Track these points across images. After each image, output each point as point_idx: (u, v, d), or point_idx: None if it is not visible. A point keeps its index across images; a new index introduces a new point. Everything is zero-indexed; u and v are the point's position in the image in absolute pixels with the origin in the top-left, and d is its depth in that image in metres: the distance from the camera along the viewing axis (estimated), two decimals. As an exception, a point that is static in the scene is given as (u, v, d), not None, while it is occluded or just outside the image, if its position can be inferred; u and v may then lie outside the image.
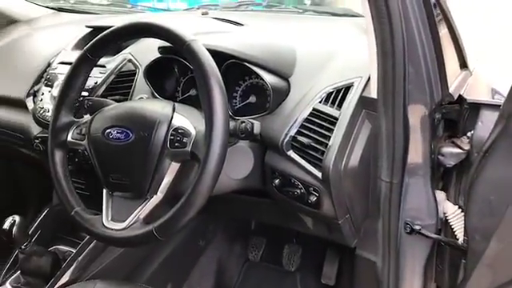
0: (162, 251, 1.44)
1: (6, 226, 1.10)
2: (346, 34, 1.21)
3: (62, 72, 1.28)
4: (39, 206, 1.46)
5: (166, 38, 0.85)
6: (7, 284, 1.19)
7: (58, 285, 1.15)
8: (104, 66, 1.22)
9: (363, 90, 0.95)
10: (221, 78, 0.81)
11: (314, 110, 0.97)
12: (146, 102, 0.96)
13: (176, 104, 0.91)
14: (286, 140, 0.96)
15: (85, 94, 1.18)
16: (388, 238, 0.91)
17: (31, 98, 1.34)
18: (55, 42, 1.46)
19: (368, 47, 0.85)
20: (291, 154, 0.97)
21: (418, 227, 0.87)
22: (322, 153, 0.92)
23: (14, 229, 1.10)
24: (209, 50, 0.96)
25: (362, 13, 0.85)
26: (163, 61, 1.11)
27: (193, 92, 1.15)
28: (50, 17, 1.84)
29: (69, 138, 0.94)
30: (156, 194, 0.86)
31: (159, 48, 1.07)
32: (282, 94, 1.02)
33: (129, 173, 0.86)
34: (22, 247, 1.14)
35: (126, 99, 1.17)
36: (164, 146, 0.84)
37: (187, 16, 1.67)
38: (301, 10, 1.54)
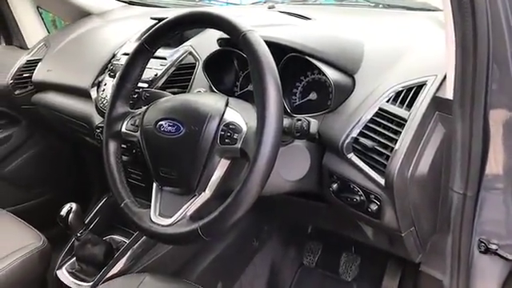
0: (214, 248, 1.41)
1: (63, 212, 1.12)
2: (420, 28, 1.10)
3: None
4: (100, 195, 1.49)
5: (222, 27, 0.81)
6: (63, 269, 1.22)
7: (109, 274, 1.15)
8: (165, 58, 1.21)
9: (437, 89, 0.85)
10: (277, 73, 0.75)
11: (380, 109, 0.88)
12: (200, 96, 0.93)
13: (230, 98, 0.87)
14: (347, 141, 0.89)
15: (144, 85, 1.18)
16: (458, 256, 0.81)
17: (95, 88, 1.36)
18: (123, 33, 1.48)
19: (445, 42, 0.75)
20: (352, 157, 0.89)
21: (494, 246, 0.77)
22: (387, 157, 0.84)
23: (71, 216, 1.12)
24: (268, 41, 0.91)
25: (441, 5, 0.76)
26: (223, 54, 1.08)
27: (251, 87, 1.10)
28: (121, 10, 1.89)
29: (123, 129, 0.93)
30: (204, 191, 0.82)
31: (218, 40, 1.04)
32: (346, 92, 0.94)
33: (178, 167, 0.83)
34: (78, 234, 1.16)
35: (184, 92, 1.15)
36: (214, 141, 0.80)
37: (253, 9, 1.63)
38: (373, 4, 1.44)
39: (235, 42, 0.79)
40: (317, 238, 1.54)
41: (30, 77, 1.63)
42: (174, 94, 1.08)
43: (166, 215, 0.84)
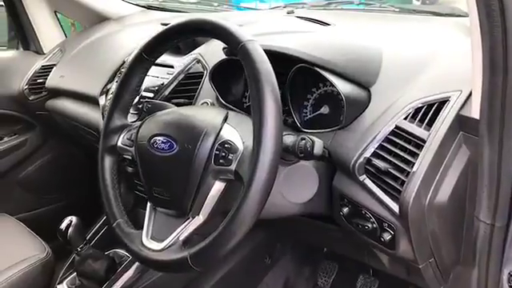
0: (223, 265, 1.34)
1: (63, 226, 1.08)
2: (447, 37, 1.00)
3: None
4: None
5: (221, 37, 0.74)
6: (64, 283, 1.17)
7: (111, 290, 1.10)
8: (172, 67, 1.15)
9: (462, 107, 0.75)
10: (277, 87, 0.68)
11: (396, 127, 0.79)
12: (198, 110, 0.86)
13: (231, 113, 0.80)
14: (359, 162, 0.80)
15: (150, 95, 1.13)
16: (485, 289, 0.72)
17: (104, 95, 1.32)
18: (136, 39, 1.44)
19: (471, 55, 0.66)
20: (364, 179, 0.80)
21: (526, 281, 0.68)
22: (402, 183, 0.75)
23: (70, 230, 1.07)
24: (274, 52, 0.84)
25: (467, 9, 0.67)
26: (231, 63, 1.01)
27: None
28: (140, 14, 1.85)
29: (119, 143, 0.87)
30: (198, 215, 0.76)
31: (224, 48, 0.97)
32: (360, 106, 0.86)
33: (171, 188, 0.77)
34: (78, 249, 1.11)
35: (191, 103, 1.09)
36: (208, 161, 0.73)
37: (271, 15, 1.56)
38: (397, 9, 1.34)
39: (234, 52, 0.72)
40: (332, 258, 1.45)
41: (45, 82, 1.61)
42: (180, 105, 1.02)
43: (158, 239, 0.78)
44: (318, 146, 0.71)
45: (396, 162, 0.77)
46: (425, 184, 0.73)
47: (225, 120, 0.77)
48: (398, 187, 0.75)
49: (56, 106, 1.58)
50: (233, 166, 0.71)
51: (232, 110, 1.00)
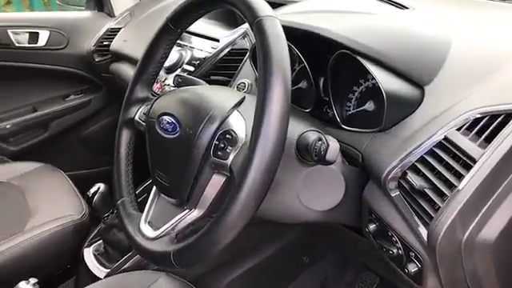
0: (255, 255, 1.27)
1: (90, 192, 1.07)
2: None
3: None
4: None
5: (239, 9, 0.64)
6: (91, 248, 1.18)
7: (127, 265, 1.08)
8: (218, 40, 1.07)
9: (532, 123, 0.59)
10: (288, 74, 0.57)
11: (445, 139, 0.64)
12: (213, 90, 0.77)
13: (248, 98, 0.70)
14: (392, 174, 0.67)
15: (190, 68, 1.06)
16: None
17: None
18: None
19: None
20: (396, 195, 0.67)
21: None
22: (439, 208, 0.60)
23: (96, 197, 1.06)
24: (307, 32, 0.72)
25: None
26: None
27: (303, 84, 0.92)
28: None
29: (136, 117, 0.82)
30: (195, 207, 0.68)
31: None
32: (406, 108, 0.71)
33: (171, 174, 0.70)
34: (105, 217, 1.11)
35: (229, 82, 1.00)
36: (207, 151, 0.65)
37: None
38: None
39: (250, 28, 0.62)
40: (374, 270, 1.31)
41: (110, 45, 1.62)
42: (218, 82, 0.95)
43: (155, 225, 0.72)
44: (333, 151, 0.60)
45: (435, 181, 0.62)
46: (466, 214, 0.58)
47: (237, 105, 0.67)
48: (432, 213, 0.61)
49: (118, 70, 1.59)
50: (228, 161, 0.62)
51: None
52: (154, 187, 0.77)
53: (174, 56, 1.12)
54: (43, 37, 1.63)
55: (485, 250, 0.60)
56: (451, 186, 0.60)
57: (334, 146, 0.60)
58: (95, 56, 1.66)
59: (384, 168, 0.68)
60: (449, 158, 0.63)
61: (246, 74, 0.98)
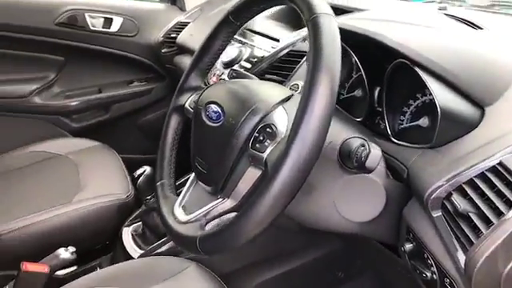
0: (290, 261, 1.24)
1: (136, 173, 1.10)
2: None
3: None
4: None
5: (298, 5, 0.63)
6: (130, 228, 1.21)
7: (160, 249, 1.10)
8: (278, 41, 1.07)
9: None
10: (337, 75, 0.55)
11: (500, 164, 0.60)
12: (263, 85, 0.77)
13: (296, 95, 0.69)
14: (436, 193, 0.63)
15: (247, 65, 1.07)
16: None
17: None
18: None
19: None
20: (437, 216, 0.63)
21: None
22: (481, 234, 0.56)
23: (141, 179, 1.09)
24: (364, 36, 0.71)
25: None
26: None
27: (358, 93, 0.89)
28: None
29: (186, 104, 0.84)
30: (228, 198, 0.68)
31: None
32: (462, 127, 0.67)
33: (209, 161, 0.70)
34: (147, 199, 1.13)
35: (283, 82, 1.00)
36: (246, 143, 0.65)
37: (419, 8, 1.36)
38: None
39: (306, 24, 0.61)
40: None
41: (177, 38, 1.67)
42: (270, 81, 0.95)
43: (188, 210, 0.73)
44: (373, 157, 0.57)
45: (482, 207, 0.58)
46: (510, 246, 0.54)
47: (283, 101, 0.67)
48: (474, 239, 0.57)
49: (181, 62, 1.63)
50: (265, 154, 0.62)
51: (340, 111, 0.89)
52: (193, 173, 0.78)
53: (233, 52, 1.13)
54: (116, 23, 1.72)
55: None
56: (500, 214, 0.56)
57: (375, 153, 0.58)
58: (162, 47, 1.72)
59: (428, 186, 0.64)
60: (501, 185, 0.58)
61: (301, 75, 0.97)
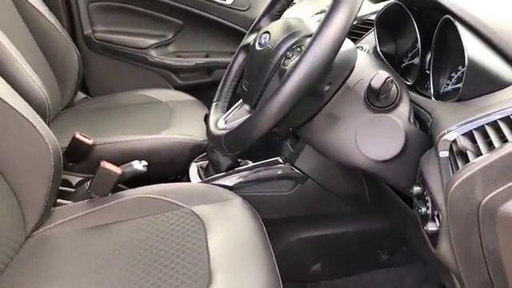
0: (336, 225, 1.26)
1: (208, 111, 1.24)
2: None
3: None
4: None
5: None
6: (197, 163, 1.36)
7: (218, 181, 1.21)
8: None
9: None
10: (357, 9, 0.62)
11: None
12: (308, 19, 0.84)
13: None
14: (446, 136, 0.66)
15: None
16: None
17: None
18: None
19: None
20: (443, 157, 0.66)
21: None
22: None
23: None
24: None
25: None
26: (404, 16, 0.93)
27: (415, 60, 0.92)
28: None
29: (251, 42, 0.95)
30: (257, 111, 0.78)
31: None
32: (493, 85, 0.69)
33: (250, 81, 0.81)
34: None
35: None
36: (280, 60, 0.74)
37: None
38: None
39: None
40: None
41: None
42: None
43: (228, 123, 0.84)
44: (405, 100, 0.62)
45: (483, 148, 0.60)
46: (493, 175, 0.55)
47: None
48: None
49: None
50: (288, 67, 0.70)
51: (383, 62, 0.94)
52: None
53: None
54: (232, -4, 1.90)
55: (510, 226, 0.56)
56: (491, 151, 0.58)
57: (405, 95, 0.63)
58: (268, 24, 1.85)
59: (442, 129, 0.67)
60: (509, 134, 0.60)
61: (367, 41, 1.02)
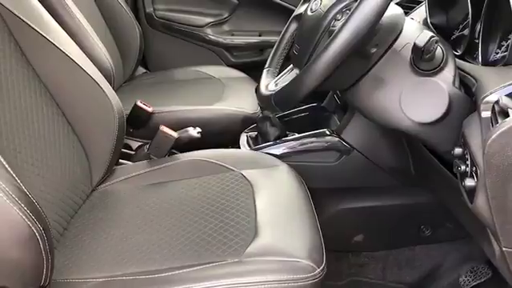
0: (378, 198, 1.29)
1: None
2: None
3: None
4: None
5: None
6: (247, 133, 1.42)
7: (266, 149, 1.27)
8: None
9: None
10: None
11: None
12: None
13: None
14: (489, 97, 0.68)
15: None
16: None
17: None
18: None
19: None
20: (485, 117, 0.68)
21: None
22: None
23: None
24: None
25: None
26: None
27: (466, 31, 0.93)
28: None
29: (302, 8, 0.99)
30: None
31: None
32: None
33: (300, 44, 0.86)
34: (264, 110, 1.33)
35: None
36: (329, 23, 0.78)
37: None
38: None
39: None
40: (490, 264, 1.21)
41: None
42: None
43: (279, 86, 0.89)
44: (451, 63, 0.65)
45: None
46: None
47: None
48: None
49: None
50: (335, 28, 0.74)
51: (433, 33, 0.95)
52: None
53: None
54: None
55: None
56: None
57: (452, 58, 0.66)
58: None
59: (485, 91, 0.69)
60: None
61: (419, 13, 1.04)
